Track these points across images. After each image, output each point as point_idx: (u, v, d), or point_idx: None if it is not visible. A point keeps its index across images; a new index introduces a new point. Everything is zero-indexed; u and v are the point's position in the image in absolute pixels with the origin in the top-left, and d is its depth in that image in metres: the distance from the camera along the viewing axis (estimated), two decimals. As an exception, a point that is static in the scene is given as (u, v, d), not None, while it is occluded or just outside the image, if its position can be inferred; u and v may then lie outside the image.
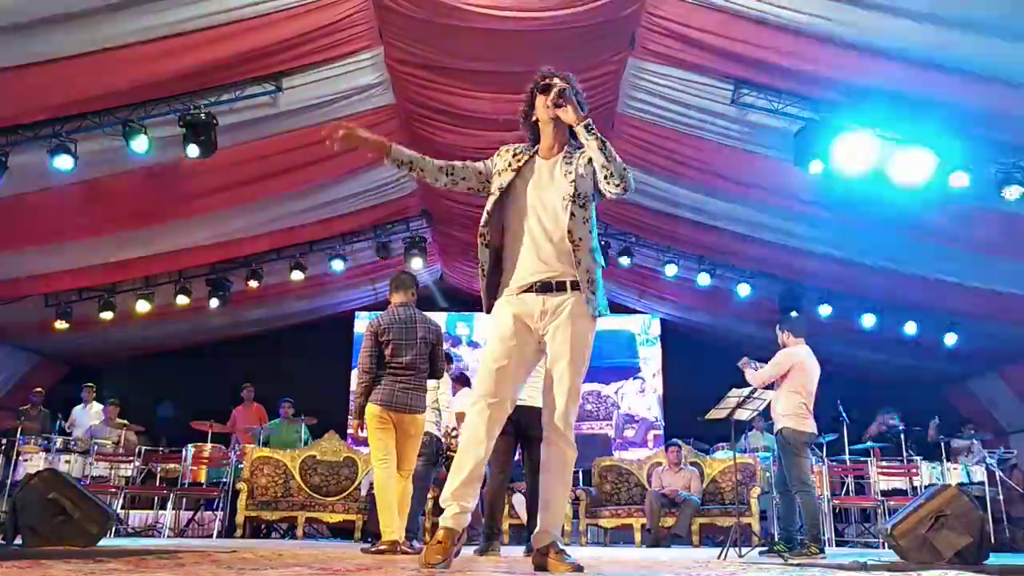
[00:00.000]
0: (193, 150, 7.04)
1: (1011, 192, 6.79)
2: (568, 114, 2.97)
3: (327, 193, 9.43)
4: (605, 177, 2.95)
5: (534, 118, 3.15)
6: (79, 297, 10.42)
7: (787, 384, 5.96)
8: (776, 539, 6.30)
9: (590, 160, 3.02)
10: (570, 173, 3.02)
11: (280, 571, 2.67)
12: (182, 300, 10.58)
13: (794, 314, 10.58)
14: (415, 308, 5.31)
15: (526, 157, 3.12)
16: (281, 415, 10.18)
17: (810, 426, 5.92)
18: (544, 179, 3.06)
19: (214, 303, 10.75)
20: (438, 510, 3.11)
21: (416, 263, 11.02)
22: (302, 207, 9.56)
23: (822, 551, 5.67)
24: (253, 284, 10.68)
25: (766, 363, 6.08)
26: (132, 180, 7.93)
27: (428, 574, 2.70)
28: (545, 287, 2.98)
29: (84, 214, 8.19)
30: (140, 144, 6.94)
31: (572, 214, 2.96)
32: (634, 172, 9.60)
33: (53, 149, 6.82)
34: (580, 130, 2.96)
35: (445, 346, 5.69)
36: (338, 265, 10.74)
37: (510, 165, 3.10)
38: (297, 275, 10.68)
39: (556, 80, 3.02)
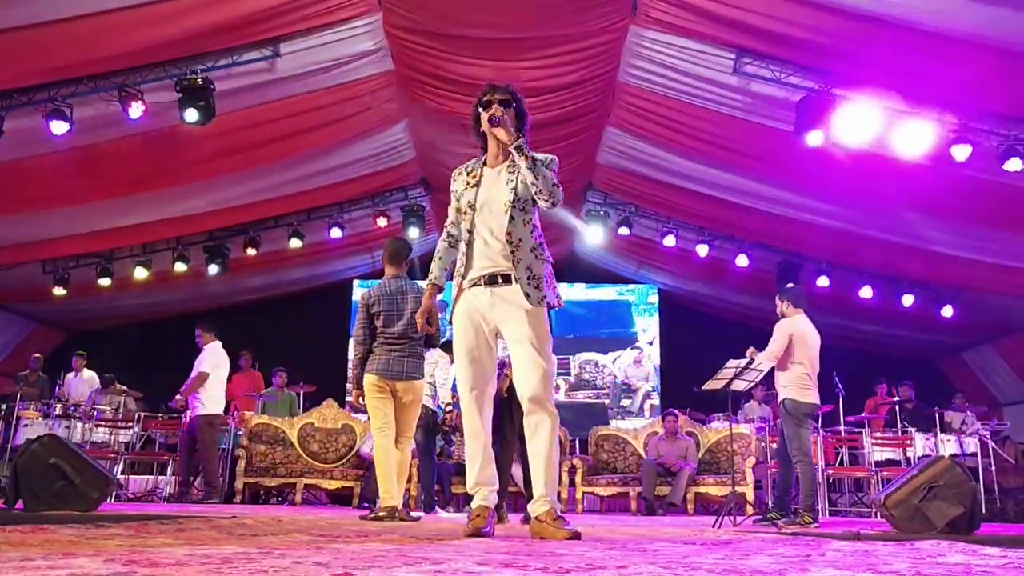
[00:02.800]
0: (191, 115, 6.99)
1: (1012, 165, 6.77)
2: (501, 135, 3.24)
3: (325, 160, 9.38)
4: (536, 193, 3.24)
5: (482, 129, 3.37)
6: (76, 263, 10.40)
7: (789, 355, 5.97)
8: (770, 507, 6.36)
9: None
10: (511, 180, 3.29)
11: (280, 537, 2.69)
12: (180, 267, 10.57)
13: (790, 285, 10.65)
14: (406, 279, 5.33)
15: (478, 169, 3.41)
16: (275, 384, 10.21)
17: (812, 397, 5.94)
18: (491, 186, 3.34)
19: (212, 270, 10.74)
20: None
21: (413, 232, 11.01)
22: (300, 174, 9.52)
23: (816, 520, 5.73)
24: (251, 251, 10.67)
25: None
26: (129, 146, 7.88)
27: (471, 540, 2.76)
28: (491, 280, 3.27)
29: (81, 179, 8.15)
30: (137, 110, 6.88)
31: (512, 217, 3.25)
32: (634, 141, 9.54)
33: (49, 114, 6.76)
34: (512, 151, 3.23)
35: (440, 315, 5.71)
36: (336, 233, 10.72)
37: (468, 183, 3.38)
38: (295, 243, 10.66)
39: (496, 97, 3.28)
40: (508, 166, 3.33)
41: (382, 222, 10.96)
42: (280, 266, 12.08)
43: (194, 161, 8.45)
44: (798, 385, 5.91)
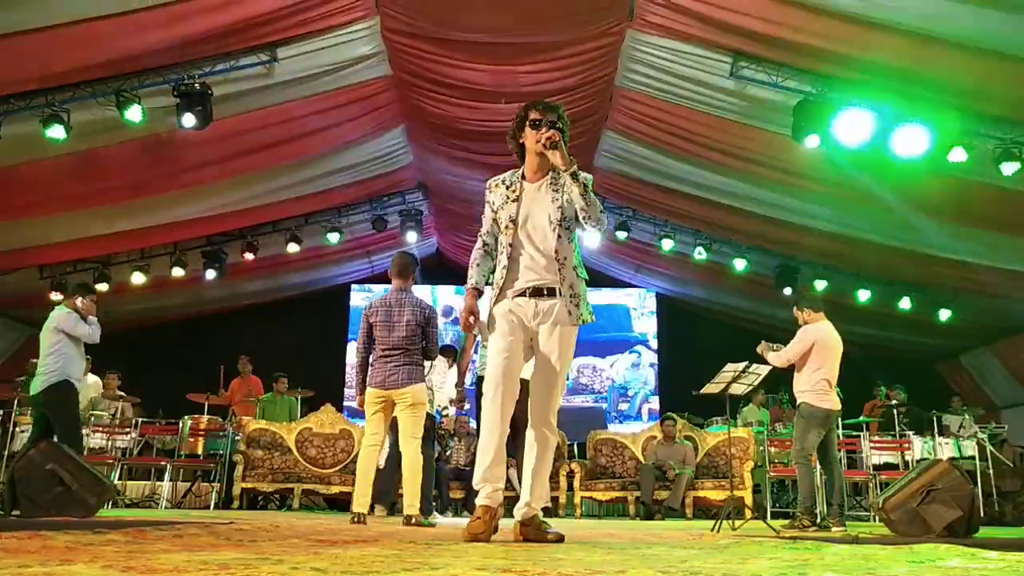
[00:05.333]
0: (188, 120, 6.98)
1: (1009, 168, 6.78)
2: (556, 159, 3.27)
3: (323, 165, 9.38)
4: (584, 218, 3.33)
5: (521, 141, 3.45)
6: (74, 269, 10.38)
7: (809, 360, 5.97)
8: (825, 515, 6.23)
9: None
10: (557, 199, 3.38)
11: (278, 543, 2.69)
12: (177, 272, 10.55)
13: (788, 291, 10.67)
14: (409, 292, 5.49)
15: (517, 184, 3.47)
16: (276, 389, 10.21)
17: (827, 402, 5.95)
18: (533, 202, 3.41)
19: (210, 275, 10.72)
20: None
21: (411, 236, 11.01)
22: (298, 179, 9.52)
23: (814, 523, 5.73)
24: (249, 256, 10.66)
25: (784, 344, 6.11)
26: (127, 151, 7.87)
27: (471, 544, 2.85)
28: (537, 292, 3.38)
29: (79, 185, 8.14)
30: (134, 114, 6.88)
31: (559, 236, 3.36)
32: (632, 145, 9.54)
33: (45, 119, 6.75)
34: (566, 176, 3.29)
35: (441, 324, 5.81)
36: (334, 238, 10.72)
37: (508, 198, 3.44)
38: (293, 247, 10.66)
39: (548, 118, 3.33)
40: (550, 182, 3.42)
41: (381, 228, 10.95)
42: (278, 271, 12.07)
43: (192, 166, 8.45)
44: (816, 390, 5.93)
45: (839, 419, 8.50)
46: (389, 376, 5.26)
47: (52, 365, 6.31)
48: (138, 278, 10.44)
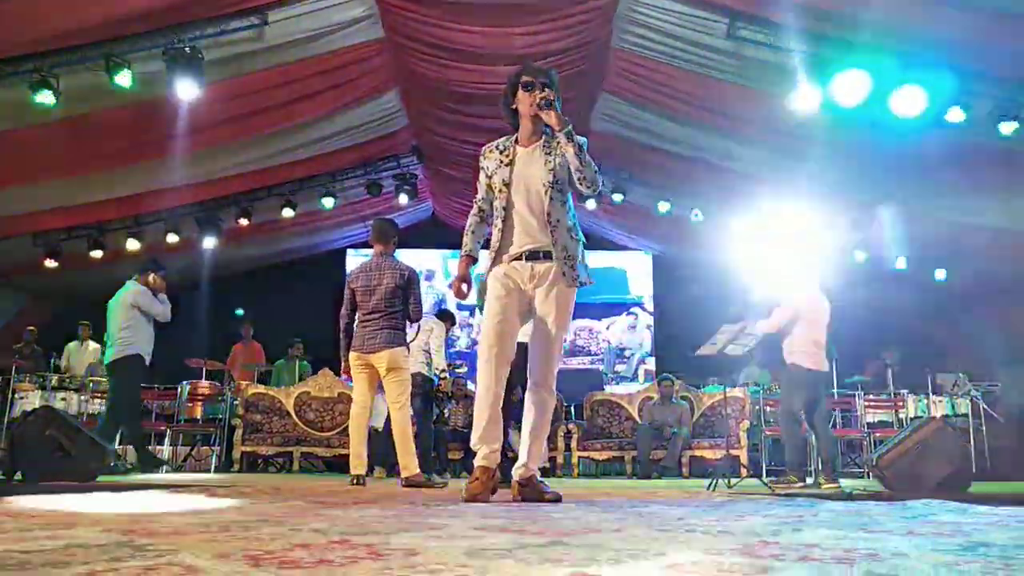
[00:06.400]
0: (179, 85, 6.89)
1: (1007, 127, 6.74)
2: (551, 119, 3.26)
3: (316, 130, 9.29)
4: (579, 180, 3.34)
5: (514, 106, 3.45)
6: (68, 236, 10.33)
7: (797, 324, 6.02)
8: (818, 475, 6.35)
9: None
10: (550, 161, 3.38)
11: (278, 505, 2.72)
12: (172, 238, 10.51)
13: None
14: (390, 256, 5.53)
15: (511, 148, 3.46)
16: (291, 355, 10.32)
17: (814, 364, 6.00)
18: (526, 165, 3.42)
19: (205, 241, 10.68)
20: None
21: (405, 200, 10.97)
22: (291, 144, 9.44)
23: (802, 480, 5.81)
24: (244, 222, 10.61)
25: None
26: (118, 117, 7.78)
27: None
28: (532, 255, 3.39)
29: (70, 151, 8.06)
30: (124, 79, 6.77)
31: (551, 198, 3.35)
32: (628, 107, 9.44)
33: (34, 84, 6.66)
34: (561, 136, 3.28)
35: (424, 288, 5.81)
36: (328, 202, 10.67)
37: (502, 162, 3.44)
38: (288, 212, 10.61)
39: (540, 80, 3.34)
40: (543, 146, 3.42)
41: (376, 192, 10.90)
42: (274, 236, 12.03)
43: (184, 132, 8.34)
44: (805, 352, 5.99)
45: (832, 380, 8.61)
46: (367, 339, 5.31)
47: (127, 338, 6.69)
48: (133, 244, 10.39)
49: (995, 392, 10.00)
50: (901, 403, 8.68)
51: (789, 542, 1.44)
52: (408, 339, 5.63)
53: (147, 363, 6.88)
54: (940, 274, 10.93)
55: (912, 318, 12.89)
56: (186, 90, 6.90)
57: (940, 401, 8.86)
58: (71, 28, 6.54)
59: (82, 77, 6.95)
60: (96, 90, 7.06)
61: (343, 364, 5.51)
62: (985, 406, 8.92)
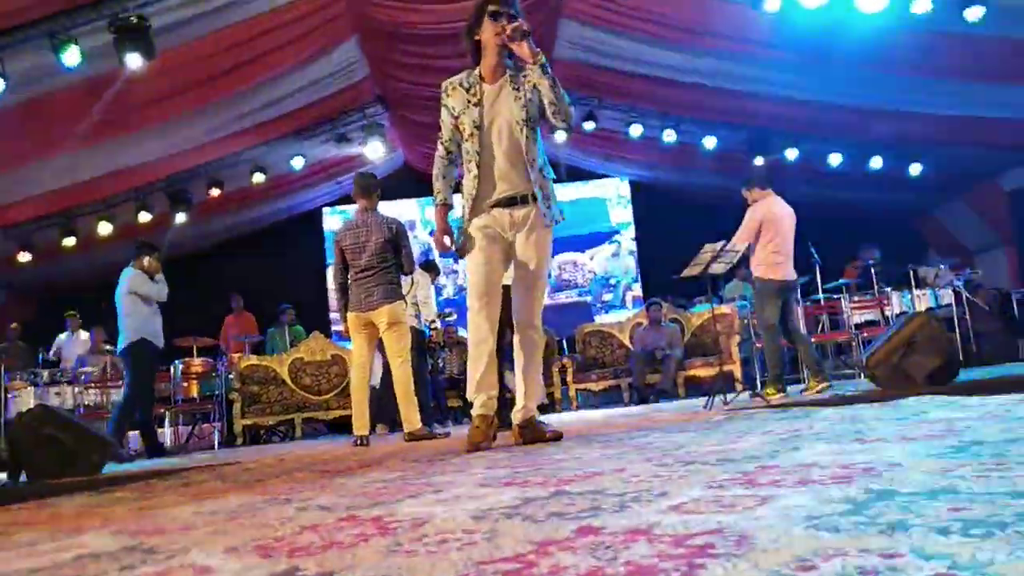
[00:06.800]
0: (130, 57, 6.68)
1: (973, 13, 6.67)
2: (524, 51, 3.17)
3: (277, 88, 9.08)
4: (553, 113, 3.24)
5: (477, 37, 3.32)
6: (38, 226, 10.16)
7: (761, 236, 6.07)
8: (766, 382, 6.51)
9: (535, 85, 3.27)
10: (519, 98, 3.28)
11: (283, 479, 2.74)
12: (144, 217, 10.37)
13: (760, 160, 10.67)
14: (375, 211, 5.45)
15: (476, 86, 3.34)
16: (283, 321, 10.28)
17: (781, 273, 6.06)
18: (497, 104, 3.32)
19: (178, 216, 10.54)
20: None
21: (376, 150, 10.81)
22: (252, 106, 9.24)
23: (782, 391, 5.90)
24: (215, 192, 10.47)
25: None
26: (72, 97, 7.55)
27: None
28: (510, 201, 3.34)
29: (27, 137, 7.85)
30: (72, 56, 6.54)
31: (527, 137, 3.27)
32: (591, 32, 9.26)
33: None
34: (535, 69, 3.18)
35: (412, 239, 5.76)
36: (298, 163, 10.54)
37: (469, 102, 3.33)
38: (259, 177, 10.47)
39: (507, 9, 3.21)
40: (511, 82, 3.31)
41: (345, 147, 10.74)
42: (247, 203, 11.88)
43: (141, 105, 8.15)
44: (766, 263, 6.07)
45: (807, 285, 8.71)
46: (365, 298, 5.27)
47: (130, 326, 6.82)
48: (105, 228, 10.24)
49: (976, 279, 10.15)
50: (886, 301, 8.79)
51: (788, 464, 1.47)
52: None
53: (158, 346, 7.03)
54: (915, 169, 10.99)
55: (890, 215, 12.98)
56: (137, 62, 6.70)
57: (923, 294, 8.98)
58: (8, 8, 6.30)
59: (28, 58, 6.72)
60: (46, 71, 6.84)
61: (343, 325, 5.47)
62: (967, 294, 9.04)
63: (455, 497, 1.52)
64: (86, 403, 8.42)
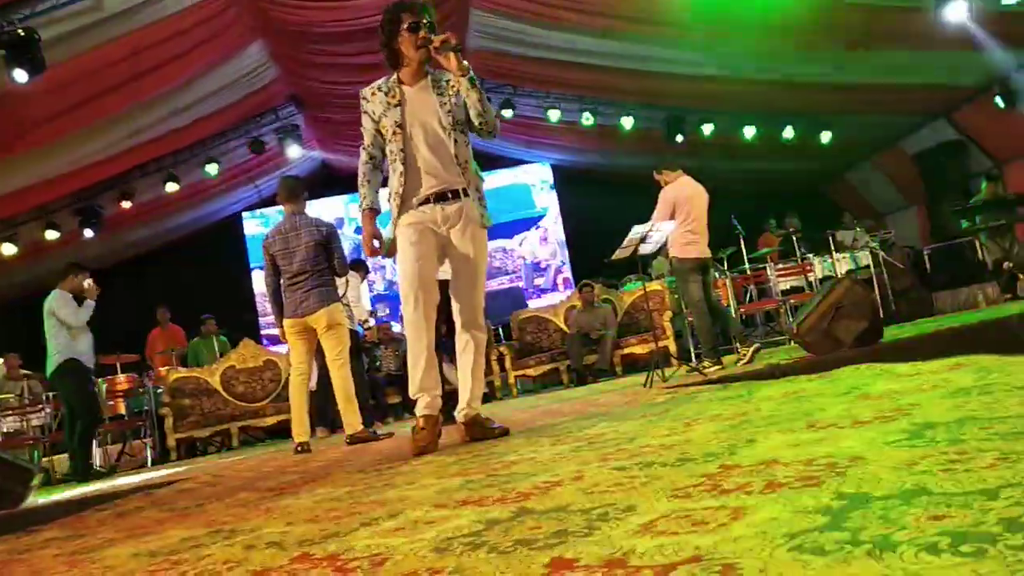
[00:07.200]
0: (18, 72, 6.34)
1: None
2: (451, 63, 3.18)
3: (184, 96, 8.77)
4: (480, 124, 3.30)
5: (395, 47, 3.31)
6: (-59, 253, 9.59)
7: (676, 216, 6.19)
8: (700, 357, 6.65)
9: (458, 92, 3.30)
10: (444, 102, 3.31)
11: (225, 502, 2.63)
12: (51, 235, 9.89)
13: (680, 138, 10.84)
14: (303, 214, 5.33)
15: (396, 89, 3.34)
16: (205, 330, 9.96)
17: (694, 251, 6.19)
18: (418, 104, 3.32)
19: (88, 232, 10.09)
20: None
21: (293, 152, 10.56)
22: (162, 114, 8.90)
23: (719, 363, 6.03)
24: (126, 204, 10.06)
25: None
26: (-40, 117, 7.15)
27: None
28: (440, 197, 3.33)
29: (-86, 164, 7.40)
30: (-44, 77, 6.19)
31: (456, 140, 3.31)
32: (501, 20, 9.19)
33: None
34: (464, 81, 3.21)
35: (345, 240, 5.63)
36: (213, 169, 10.21)
37: (389, 104, 3.32)
38: (172, 187, 10.10)
39: (424, 19, 3.24)
40: (433, 84, 3.33)
41: (258, 148, 10.43)
42: (161, 214, 11.45)
43: (40, 120, 7.75)
44: (680, 242, 6.20)
45: (733, 257, 8.90)
46: (300, 303, 5.18)
47: (56, 347, 6.65)
48: (9, 249, 9.73)
49: (890, 239, 10.54)
50: (809, 267, 9.04)
51: (749, 463, 1.45)
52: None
53: (88, 364, 6.87)
54: (825, 137, 11.32)
55: (806, 183, 13.37)
56: (27, 76, 6.35)
57: (843, 258, 9.27)
58: None
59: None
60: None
61: (280, 331, 5.36)
62: (884, 254, 9.37)
63: (412, 523, 1.46)
64: (5, 431, 8.02)
